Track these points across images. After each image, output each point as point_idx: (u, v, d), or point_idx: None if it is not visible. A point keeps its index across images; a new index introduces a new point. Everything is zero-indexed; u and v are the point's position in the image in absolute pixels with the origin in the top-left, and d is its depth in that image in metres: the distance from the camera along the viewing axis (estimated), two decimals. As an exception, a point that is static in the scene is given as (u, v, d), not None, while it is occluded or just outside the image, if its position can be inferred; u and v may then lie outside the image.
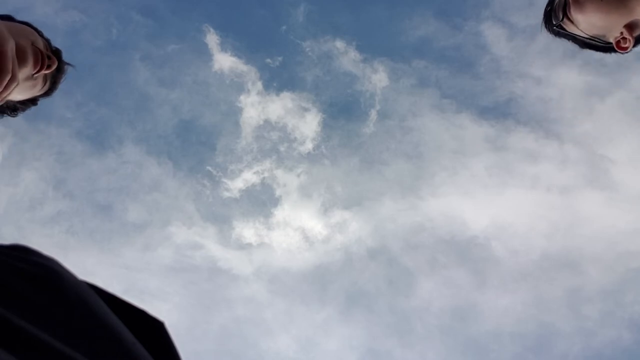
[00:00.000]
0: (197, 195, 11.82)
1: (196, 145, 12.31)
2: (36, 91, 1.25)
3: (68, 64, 1.32)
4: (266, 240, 11.75)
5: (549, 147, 11.68)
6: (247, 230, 11.70)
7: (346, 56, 12.05)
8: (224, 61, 11.70)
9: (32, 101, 1.30)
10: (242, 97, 11.95)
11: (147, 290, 11.21)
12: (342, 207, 12.01)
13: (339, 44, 12.02)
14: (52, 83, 1.28)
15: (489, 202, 12.02)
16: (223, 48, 11.72)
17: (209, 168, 11.79)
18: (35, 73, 1.13)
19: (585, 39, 1.34)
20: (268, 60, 11.99)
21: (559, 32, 1.36)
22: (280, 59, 11.99)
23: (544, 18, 1.40)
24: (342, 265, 11.83)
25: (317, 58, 12.04)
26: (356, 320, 11.64)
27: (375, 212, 12.14)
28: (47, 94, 1.29)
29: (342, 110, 12.36)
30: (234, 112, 12.15)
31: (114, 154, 11.74)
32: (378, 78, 11.91)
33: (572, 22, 1.30)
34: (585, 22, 1.28)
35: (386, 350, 11.33)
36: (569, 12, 1.29)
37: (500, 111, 11.99)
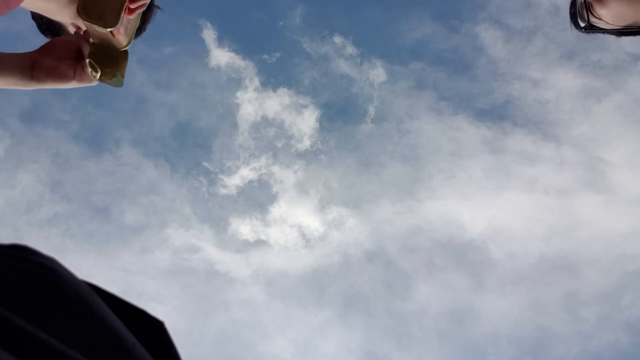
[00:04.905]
0: (194, 195, 11.82)
1: (193, 147, 12.31)
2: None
3: (157, 6, 1.40)
4: (263, 237, 11.75)
5: (547, 150, 11.71)
6: (243, 227, 11.70)
7: (343, 58, 12.08)
8: (221, 57, 11.71)
9: None
10: (239, 94, 11.96)
11: (144, 293, 11.19)
12: (339, 208, 12.02)
13: (336, 46, 12.05)
14: (142, 22, 1.34)
15: (486, 205, 12.05)
16: (220, 43, 11.73)
17: (205, 164, 11.79)
18: (136, 8, 1.18)
19: (618, 30, 1.35)
20: (265, 56, 12.01)
21: (589, 31, 1.37)
22: (277, 55, 12.01)
23: (570, 20, 1.41)
24: (339, 267, 11.83)
25: (315, 59, 12.07)
26: (354, 323, 11.65)
27: (372, 215, 12.16)
28: (138, 33, 1.35)
29: (339, 111, 12.39)
30: (231, 109, 12.15)
31: (110, 156, 11.73)
32: (375, 80, 11.94)
33: (599, 19, 1.31)
34: (612, 16, 1.29)
35: (384, 353, 11.34)
36: (594, 11, 1.30)
37: (497, 113, 12.02)
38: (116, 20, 1.12)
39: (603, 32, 1.37)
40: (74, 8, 1.20)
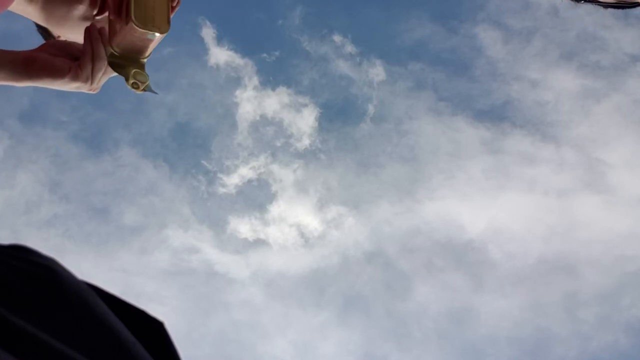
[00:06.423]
0: (193, 195, 11.81)
1: (192, 148, 12.29)
2: None
3: None
4: (262, 236, 11.72)
5: (546, 150, 11.70)
6: (242, 226, 11.65)
7: (342, 57, 12.08)
8: (220, 55, 11.68)
9: None
10: (238, 92, 11.94)
11: (144, 293, 11.16)
12: (338, 207, 12.03)
13: (335, 45, 12.05)
14: None
15: (485, 205, 12.05)
16: (219, 42, 11.71)
17: (204, 162, 11.77)
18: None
19: (610, 5, 1.39)
20: (264, 55, 12.00)
21: (584, 2, 1.41)
22: (277, 53, 12.00)
23: None
24: (339, 268, 11.83)
25: (314, 59, 12.07)
26: (353, 324, 11.64)
27: (371, 215, 12.15)
28: None
29: (339, 111, 12.37)
30: (230, 108, 12.12)
31: (110, 157, 11.70)
32: (374, 79, 11.94)
33: None
34: None
35: (383, 354, 11.33)
36: None
37: (496, 114, 12.00)
38: (168, 24, 1.10)
39: (595, 3, 1.41)
40: (48, 11, 1.18)
